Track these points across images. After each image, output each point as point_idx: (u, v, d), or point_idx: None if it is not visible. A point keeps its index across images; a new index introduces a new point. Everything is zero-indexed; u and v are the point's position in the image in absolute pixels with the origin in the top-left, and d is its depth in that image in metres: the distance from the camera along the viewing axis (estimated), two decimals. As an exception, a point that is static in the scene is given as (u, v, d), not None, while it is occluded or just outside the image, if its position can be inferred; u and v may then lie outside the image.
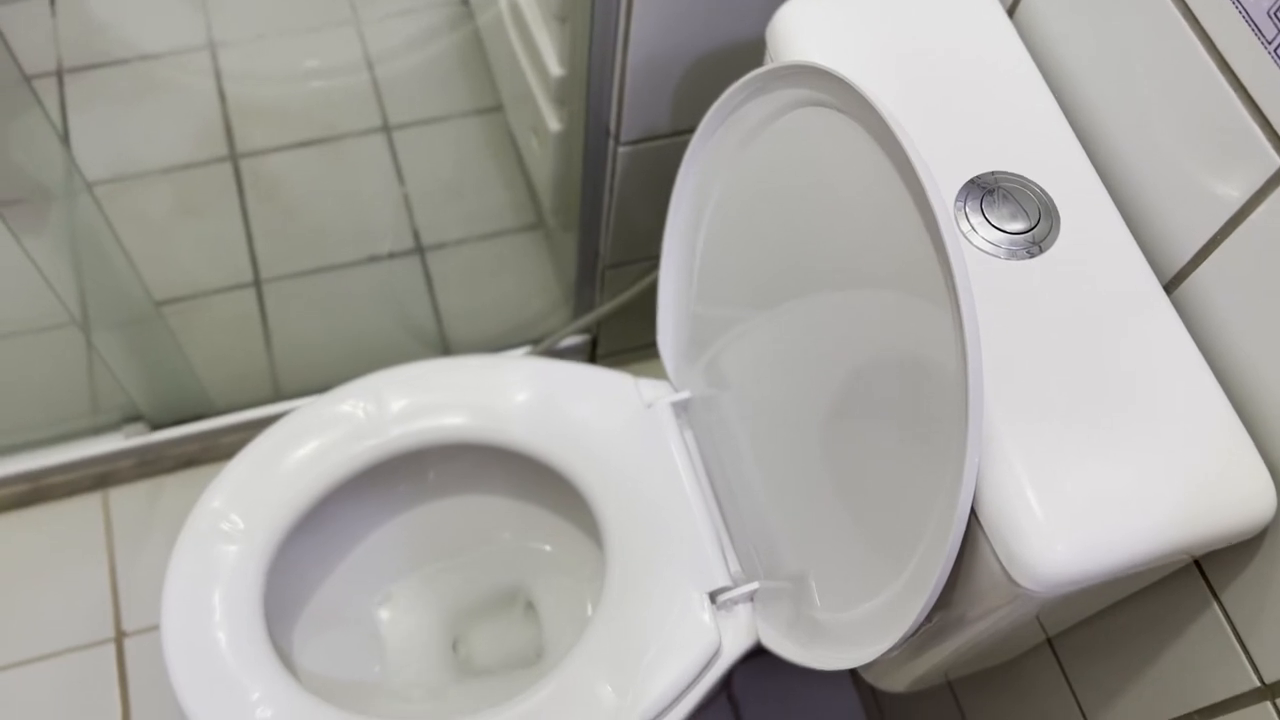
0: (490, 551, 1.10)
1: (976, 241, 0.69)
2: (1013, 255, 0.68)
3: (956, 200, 0.70)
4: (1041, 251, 0.68)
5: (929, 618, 0.68)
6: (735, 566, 0.91)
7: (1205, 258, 0.67)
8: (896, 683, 0.87)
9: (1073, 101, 0.76)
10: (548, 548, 1.09)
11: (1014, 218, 0.69)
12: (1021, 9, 0.79)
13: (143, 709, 1.23)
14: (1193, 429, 0.63)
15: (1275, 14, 0.58)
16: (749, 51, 0.97)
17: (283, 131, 1.49)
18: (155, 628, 1.26)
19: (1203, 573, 0.70)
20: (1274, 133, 0.60)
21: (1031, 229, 0.69)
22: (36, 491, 1.31)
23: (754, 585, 0.88)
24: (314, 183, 1.48)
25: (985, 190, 0.70)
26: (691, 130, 1.00)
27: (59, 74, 1.48)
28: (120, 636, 1.26)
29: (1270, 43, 0.59)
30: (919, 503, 0.64)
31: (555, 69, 1.10)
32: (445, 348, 1.43)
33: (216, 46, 1.53)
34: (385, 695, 1.02)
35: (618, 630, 0.87)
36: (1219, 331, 0.67)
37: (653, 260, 1.21)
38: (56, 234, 1.11)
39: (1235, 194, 0.63)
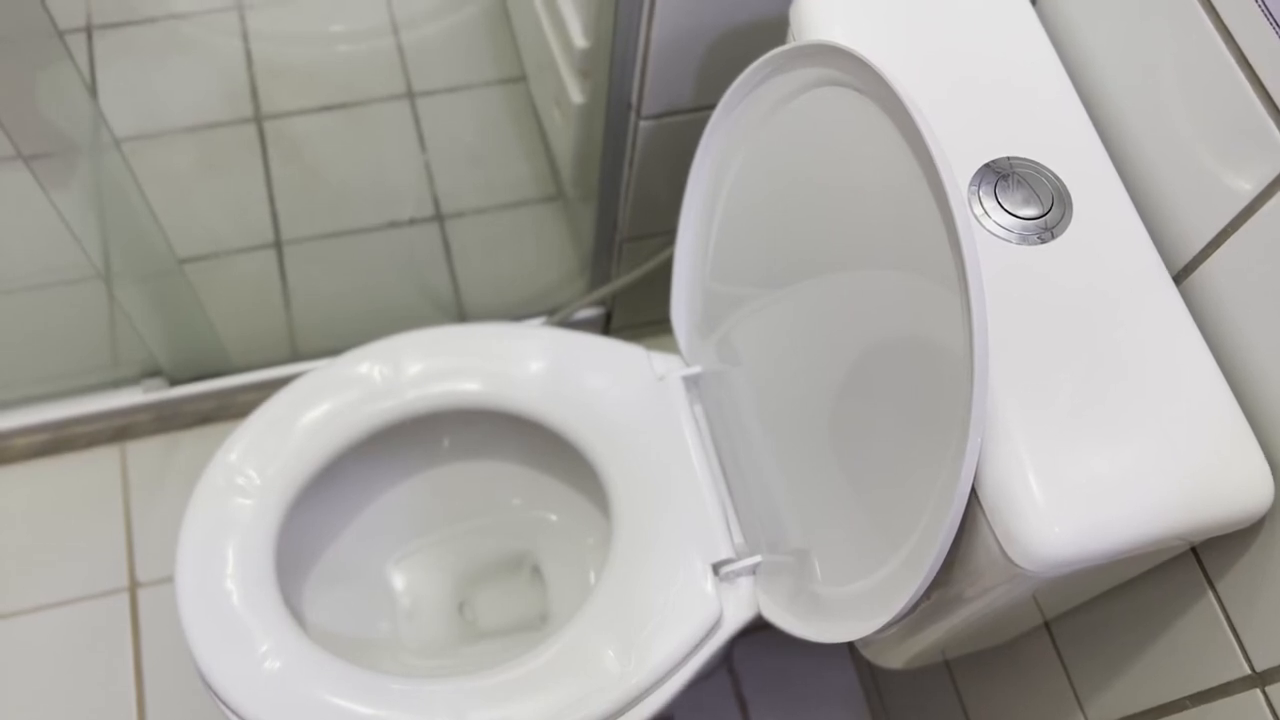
0: (499, 517, 1.11)
1: (989, 226, 0.69)
2: (1024, 240, 0.69)
3: (970, 184, 0.71)
4: (1053, 238, 0.69)
5: (927, 595, 0.69)
6: (739, 539, 0.92)
7: (1215, 249, 0.67)
8: (894, 659, 0.88)
9: (1091, 90, 0.76)
10: (554, 517, 1.10)
11: (1027, 203, 0.70)
12: (1045, -4, 0.80)
13: (153, 657, 1.25)
14: (1194, 419, 0.64)
15: (1295, 9, 0.59)
16: (771, 30, 0.98)
17: (307, 94, 1.50)
18: (168, 579, 1.29)
19: (1199, 561, 0.71)
20: (1288, 127, 0.61)
21: (1044, 215, 0.70)
22: (57, 441, 1.33)
23: (757, 558, 0.89)
24: (337, 147, 1.49)
25: (1000, 175, 0.71)
26: (713, 106, 1.00)
27: (88, 30, 1.49)
28: (134, 586, 1.28)
29: (1288, 38, 0.59)
30: (921, 481, 0.65)
31: (580, 41, 1.10)
32: (461, 315, 1.44)
33: (244, 7, 1.53)
34: (391, 652, 1.04)
35: (622, 597, 0.89)
36: (1225, 323, 0.67)
37: (670, 235, 1.22)
38: (83, 188, 1.12)
39: (1247, 187, 0.64)
